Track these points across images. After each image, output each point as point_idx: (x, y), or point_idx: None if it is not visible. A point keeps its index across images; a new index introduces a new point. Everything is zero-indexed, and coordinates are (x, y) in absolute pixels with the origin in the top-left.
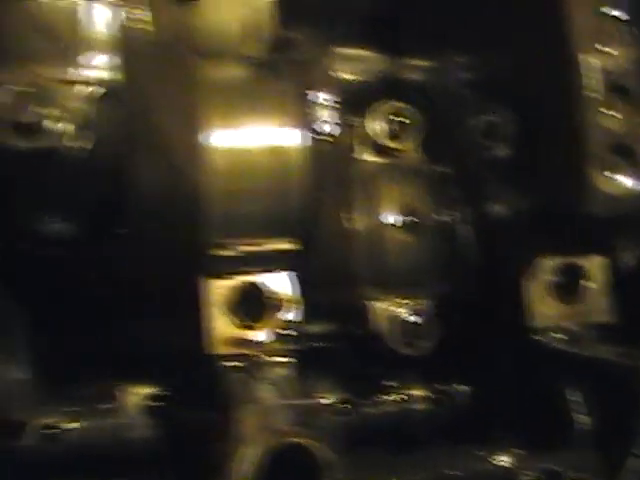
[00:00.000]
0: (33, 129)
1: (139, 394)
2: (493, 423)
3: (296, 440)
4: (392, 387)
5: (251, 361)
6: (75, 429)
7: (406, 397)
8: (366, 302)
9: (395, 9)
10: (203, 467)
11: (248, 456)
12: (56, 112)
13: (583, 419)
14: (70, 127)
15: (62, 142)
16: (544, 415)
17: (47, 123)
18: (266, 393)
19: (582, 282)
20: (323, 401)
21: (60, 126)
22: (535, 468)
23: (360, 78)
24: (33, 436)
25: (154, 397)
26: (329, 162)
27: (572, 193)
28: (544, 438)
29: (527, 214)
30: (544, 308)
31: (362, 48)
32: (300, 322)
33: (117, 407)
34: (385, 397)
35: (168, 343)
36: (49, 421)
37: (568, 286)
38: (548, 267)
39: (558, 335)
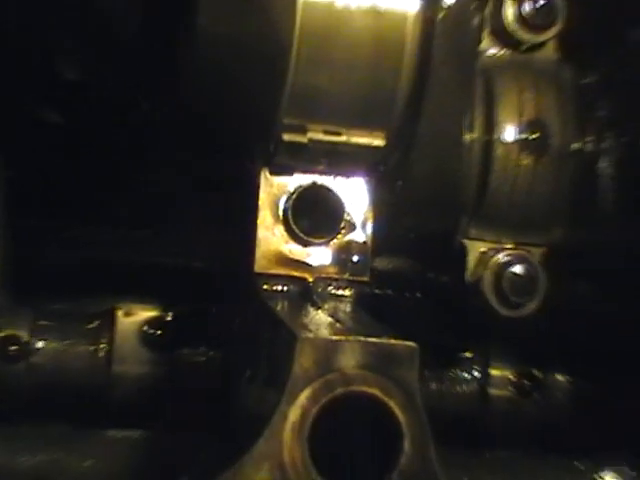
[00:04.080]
0: None
1: (139, 317)
2: (605, 430)
3: (364, 388)
4: (471, 361)
5: (302, 287)
6: (44, 350)
7: (486, 378)
8: (465, 241)
9: None
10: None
11: (302, 403)
12: None
13: None
14: None
15: None
16: None
17: None
18: (325, 326)
19: None
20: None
21: None
22: None
23: None
24: None
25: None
26: (451, 42)
27: None
28: None
29: None
30: None
31: None
32: (372, 249)
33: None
34: (461, 373)
35: (199, 252)
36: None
37: None
38: None
39: None
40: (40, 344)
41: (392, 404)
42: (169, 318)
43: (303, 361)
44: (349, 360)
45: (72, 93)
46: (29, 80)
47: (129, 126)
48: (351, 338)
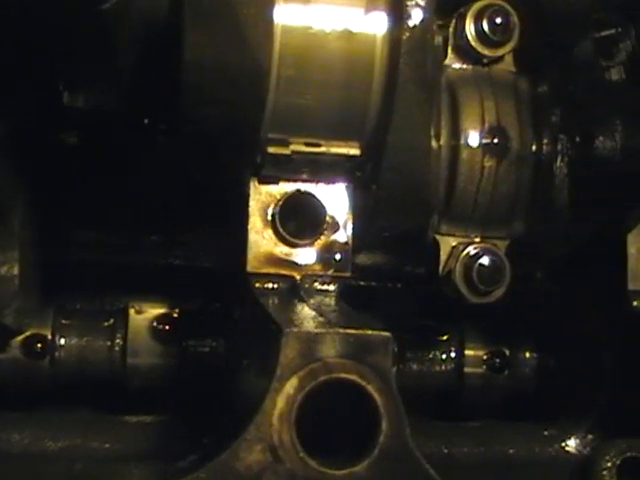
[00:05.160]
0: None
1: (149, 314)
2: (568, 402)
3: (344, 375)
4: (448, 343)
5: (291, 284)
6: (66, 346)
7: (462, 358)
8: (437, 236)
9: None
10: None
11: (289, 390)
12: None
13: None
14: None
15: None
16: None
17: None
18: (309, 319)
19: None
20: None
21: None
22: (612, 456)
23: None
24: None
25: (166, 320)
26: (415, 60)
27: None
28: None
29: None
30: None
31: None
32: (354, 248)
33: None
34: (439, 354)
35: (201, 255)
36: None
37: None
38: None
39: None
40: (62, 341)
41: (370, 388)
42: (176, 315)
43: (288, 352)
44: (330, 350)
45: (87, 119)
46: (50, 110)
47: (140, 147)
48: (331, 330)
